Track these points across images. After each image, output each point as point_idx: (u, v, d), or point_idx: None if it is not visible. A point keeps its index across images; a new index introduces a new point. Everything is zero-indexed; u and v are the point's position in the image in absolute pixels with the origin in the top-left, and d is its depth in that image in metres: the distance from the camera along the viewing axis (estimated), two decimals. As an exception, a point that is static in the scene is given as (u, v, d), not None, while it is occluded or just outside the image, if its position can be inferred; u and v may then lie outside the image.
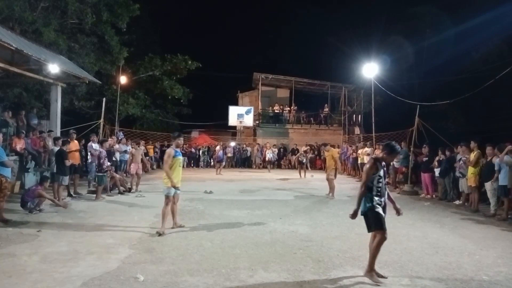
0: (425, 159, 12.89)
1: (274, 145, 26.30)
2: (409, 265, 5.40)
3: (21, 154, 12.23)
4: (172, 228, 7.20)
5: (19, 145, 12.18)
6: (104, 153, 11.36)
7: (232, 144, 26.57)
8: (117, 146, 15.26)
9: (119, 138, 17.62)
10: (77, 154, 12.05)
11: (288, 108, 29.88)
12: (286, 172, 22.71)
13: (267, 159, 24.02)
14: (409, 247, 6.33)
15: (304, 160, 19.83)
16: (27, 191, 8.91)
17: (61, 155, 10.26)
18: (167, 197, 7.07)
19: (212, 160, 25.68)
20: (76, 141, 12.29)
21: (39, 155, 12.95)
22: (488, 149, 9.61)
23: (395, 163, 14.85)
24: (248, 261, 5.36)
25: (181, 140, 7.36)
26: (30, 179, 12.26)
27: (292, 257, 5.59)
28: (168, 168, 7.04)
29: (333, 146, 14.30)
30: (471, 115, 21.89)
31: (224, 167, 24.04)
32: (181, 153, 7.38)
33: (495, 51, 21.79)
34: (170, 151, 7.15)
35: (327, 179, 12.08)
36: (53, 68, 12.37)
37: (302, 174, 19.20)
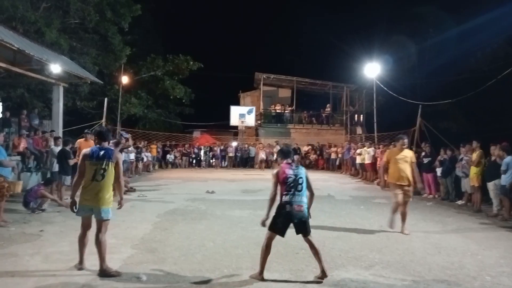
0: (425, 159, 12.83)
1: (276, 142, 26.21)
2: (412, 265, 5.39)
3: (23, 154, 12.28)
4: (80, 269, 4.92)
5: (21, 144, 12.21)
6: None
7: (234, 144, 26.61)
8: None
9: (124, 138, 17.64)
10: None
11: (290, 108, 29.90)
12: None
13: (260, 158, 24.05)
14: (411, 247, 6.32)
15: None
16: (30, 191, 8.91)
17: (64, 155, 10.26)
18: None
19: (213, 160, 25.83)
20: (91, 141, 12.28)
21: (41, 155, 12.98)
22: (495, 149, 9.52)
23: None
24: (251, 261, 5.35)
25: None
26: (32, 179, 12.29)
27: (294, 257, 5.58)
28: (79, 176, 4.94)
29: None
30: (474, 115, 21.87)
31: (226, 166, 24.75)
32: (106, 156, 4.89)
33: (498, 51, 21.76)
34: (85, 150, 5.06)
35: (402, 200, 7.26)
36: (55, 68, 12.39)
37: None
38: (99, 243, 4.79)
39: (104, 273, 4.74)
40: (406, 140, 7.54)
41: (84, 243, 4.92)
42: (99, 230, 4.83)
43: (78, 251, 4.96)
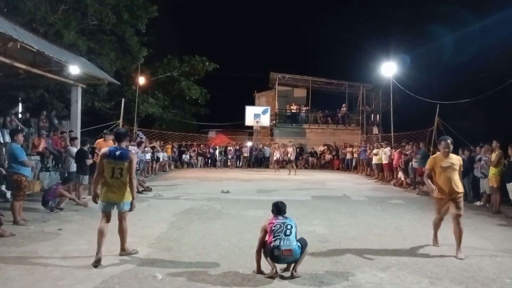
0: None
1: (290, 142, 26.12)
2: (429, 266, 5.32)
3: (42, 153, 12.51)
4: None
5: (41, 144, 12.45)
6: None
7: (249, 144, 26.64)
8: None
9: (140, 138, 17.88)
10: None
11: (305, 108, 29.79)
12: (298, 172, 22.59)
13: (274, 159, 23.76)
14: (428, 248, 6.25)
15: (292, 157, 20.92)
16: (48, 190, 9.07)
17: (82, 155, 10.43)
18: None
19: (229, 160, 25.85)
20: (110, 141, 12.43)
21: (60, 155, 13.21)
22: None
23: (414, 163, 14.67)
24: (265, 261, 5.35)
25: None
26: (51, 179, 12.51)
27: (310, 258, 5.56)
28: (98, 173, 5.45)
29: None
30: (493, 115, 21.47)
31: (241, 166, 25.13)
32: (121, 157, 5.32)
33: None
34: (104, 149, 5.57)
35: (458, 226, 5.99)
36: (74, 69, 12.57)
37: (292, 171, 20.23)
38: (122, 230, 5.49)
39: (125, 252, 5.53)
40: (449, 141, 6.06)
41: (104, 234, 5.22)
42: (123, 219, 5.49)
43: (96, 244, 5.14)
